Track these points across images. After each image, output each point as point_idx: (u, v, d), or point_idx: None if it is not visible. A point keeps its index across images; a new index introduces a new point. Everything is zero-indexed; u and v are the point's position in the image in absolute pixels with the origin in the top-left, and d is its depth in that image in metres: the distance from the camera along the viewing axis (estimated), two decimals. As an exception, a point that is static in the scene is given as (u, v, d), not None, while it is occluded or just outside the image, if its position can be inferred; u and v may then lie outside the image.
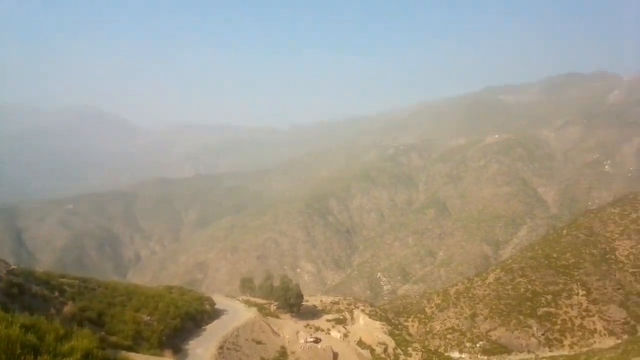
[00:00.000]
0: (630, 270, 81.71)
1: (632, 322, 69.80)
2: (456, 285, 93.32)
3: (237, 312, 50.79)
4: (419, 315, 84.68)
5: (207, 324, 42.08)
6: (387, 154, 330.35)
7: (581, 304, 74.51)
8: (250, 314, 49.89)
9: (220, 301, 55.21)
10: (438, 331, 77.30)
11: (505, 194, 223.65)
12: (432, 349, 64.74)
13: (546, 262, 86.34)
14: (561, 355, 60.01)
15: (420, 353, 54.48)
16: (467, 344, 70.73)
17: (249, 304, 60.97)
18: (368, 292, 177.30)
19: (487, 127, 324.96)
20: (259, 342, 42.37)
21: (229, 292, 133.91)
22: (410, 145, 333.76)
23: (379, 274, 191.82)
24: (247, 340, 41.14)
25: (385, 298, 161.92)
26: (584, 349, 63.63)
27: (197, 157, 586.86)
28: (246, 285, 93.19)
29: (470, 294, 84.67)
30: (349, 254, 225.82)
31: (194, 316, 40.82)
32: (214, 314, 47.00)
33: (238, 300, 64.99)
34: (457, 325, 77.06)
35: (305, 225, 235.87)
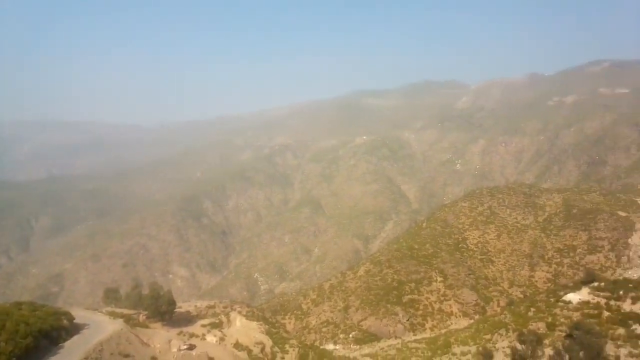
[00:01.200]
0: (479, 257, 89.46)
1: (482, 303, 75.85)
2: (330, 280, 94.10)
3: (100, 325, 44.56)
4: (295, 311, 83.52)
5: (65, 340, 37.55)
6: (262, 154, 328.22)
7: (439, 289, 79.11)
8: (115, 326, 43.89)
9: (80, 315, 47.71)
10: (314, 326, 76.78)
11: (374, 191, 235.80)
12: (309, 343, 63.32)
13: (409, 253, 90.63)
14: (423, 338, 62.46)
15: (297, 349, 52.57)
16: (341, 336, 71.25)
17: (114, 315, 53.51)
18: (245, 293, 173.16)
19: (356, 129, 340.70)
20: (126, 356, 37.54)
21: (91, 304, 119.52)
22: (286, 145, 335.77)
23: (256, 274, 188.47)
24: (112, 354, 36.40)
25: (263, 298, 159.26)
26: (443, 331, 67.15)
27: (48, 157, 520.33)
28: (110, 295, 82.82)
29: (343, 287, 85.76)
30: (225, 255, 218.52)
31: (49, 333, 36.31)
32: (74, 329, 41.15)
33: (101, 312, 56.68)
34: (332, 318, 77.36)
35: (178, 228, 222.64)
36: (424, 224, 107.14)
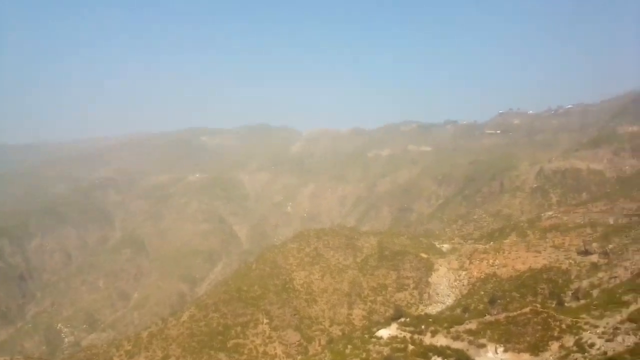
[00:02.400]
0: (304, 297, 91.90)
1: (305, 343, 77.50)
2: (150, 327, 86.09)
3: None
4: (104, 367, 73.27)
5: None
6: (79, 188, 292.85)
7: (265, 331, 78.59)
8: None
9: None
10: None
11: (204, 231, 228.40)
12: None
13: (237, 295, 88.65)
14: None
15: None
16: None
17: None
18: (44, 347, 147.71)
19: (190, 166, 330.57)
20: None
21: None
22: (108, 179, 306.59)
23: (59, 324, 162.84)
24: None
25: (66, 352, 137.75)
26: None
27: None
28: None
29: (164, 335, 79.23)
30: (21, 304, 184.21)
31: None
32: None
33: None
34: (146, 373, 69.59)
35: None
36: (254, 265, 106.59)
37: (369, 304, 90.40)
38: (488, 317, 54.40)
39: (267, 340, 77.21)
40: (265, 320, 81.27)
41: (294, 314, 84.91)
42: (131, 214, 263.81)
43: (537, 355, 44.28)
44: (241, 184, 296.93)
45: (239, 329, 78.73)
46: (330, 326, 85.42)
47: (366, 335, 56.94)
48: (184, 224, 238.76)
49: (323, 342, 77.18)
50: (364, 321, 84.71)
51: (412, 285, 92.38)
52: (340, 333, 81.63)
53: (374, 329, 58.13)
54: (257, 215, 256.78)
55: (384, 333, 54.37)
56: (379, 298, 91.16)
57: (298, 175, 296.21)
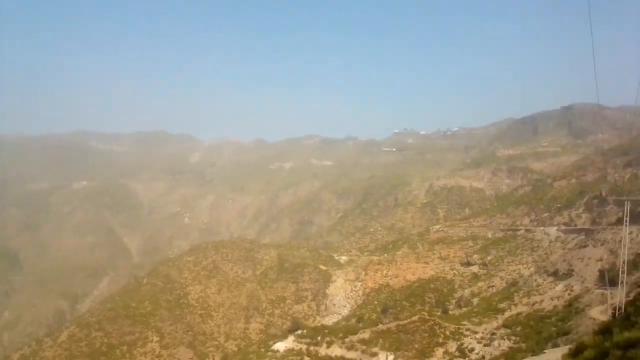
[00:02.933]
0: (199, 312, 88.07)
1: (198, 361, 73.73)
2: (21, 349, 76.50)
3: None
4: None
5: None
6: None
7: (154, 350, 73.81)
8: None
9: None
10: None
11: (90, 244, 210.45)
12: None
13: (125, 312, 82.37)
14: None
15: None
16: None
17: None
18: None
19: (75, 173, 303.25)
20: None
21: None
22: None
23: None
24: None
25: None
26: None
27: None
28: None
29: (38, 358, 70.51)
30: None
31: None
32: None
33: None
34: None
35: None
36: (145, 280, 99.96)
37: (267, 317, 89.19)
38: (380, 326, 56.30)
39: (156, 359, 72.40)
40: (156, 338, 76.27)
41: (187, 331, 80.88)
42: (2, 224, 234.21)
43: (424, 361, 46.57)
44: (134, 194, 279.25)
45: (125, 348, 72.89)
46: (225, 341, 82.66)
47: (262, 350, 55.83)
48: (65, 236, 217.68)
49: (217, 358, 74.37)
50: (261, 335, 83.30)
51: (310, 297, 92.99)
52: (235, 348, 79.33)
53: (271, 343, 57.23)
54: (151, 227, 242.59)
55: (281, 346, 53.70)
56: (277, 311, 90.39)
57: (197, 185, 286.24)
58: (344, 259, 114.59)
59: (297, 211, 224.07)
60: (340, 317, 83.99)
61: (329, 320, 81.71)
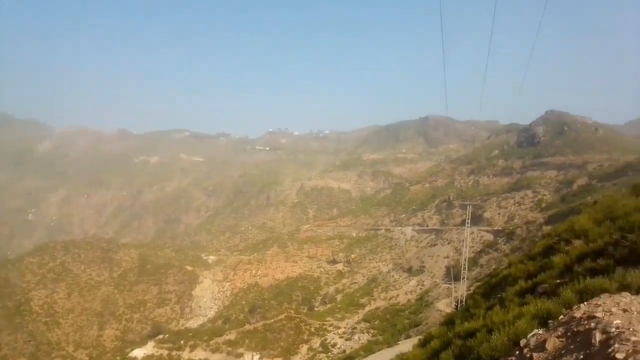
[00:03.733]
0: (44, 319, 78.44)
1: (39, 376, 65.36)
2: None
3: None
4: None
5: None
6: None
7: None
8: None
9: None
10: None
11: None
12: None
13: (-57, 324, 69.34)
14: None
15: None
16: None
17: None
18: None
19: None
20: None
21: None
22: None
23: None
24: None
25: None
26: None
27: None
28: None
29: None
30: None
31: None
32: None
33: None
34: None
35: None
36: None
37: (124, 322, 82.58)
38: (247, 326, 55.77)
39: (-14, 377, 62.46)
40: (-14, 353, 65.74)
41: (29, 340, 71.19)
42: None
43: (288, 359, 47.17)
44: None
45: (-57, 367, 61.61)
46: (74, 351, 74.57)
47: (118, 358, 51.48)
48: None
49: (63, 371, 66.70)
50: (117, 342, 76.80)
51: (174, 300, 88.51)
52: (87, 358, 72.03)
53: (128, 350, 53.05)
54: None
55: (139, 353, 50.09)
56: (137, 315, 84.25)
57: (46, 177, 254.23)
58: (212, 258, 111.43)
59: (163, 209, 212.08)
60: (206, 319, 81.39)
61: (194, 323, 78.68)
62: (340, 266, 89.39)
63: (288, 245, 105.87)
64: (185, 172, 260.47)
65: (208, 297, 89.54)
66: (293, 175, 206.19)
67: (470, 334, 11.31)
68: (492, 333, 9.51)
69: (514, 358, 7.20)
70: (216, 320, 75.54)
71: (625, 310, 6.14)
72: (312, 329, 52.72)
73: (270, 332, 52.28)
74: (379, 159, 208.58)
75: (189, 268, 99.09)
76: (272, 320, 55.72)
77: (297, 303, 75.81)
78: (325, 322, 54.50)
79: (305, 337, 51.25)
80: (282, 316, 56.49)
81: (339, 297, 74.80)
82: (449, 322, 18.11)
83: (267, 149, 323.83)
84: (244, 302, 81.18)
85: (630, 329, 5.07)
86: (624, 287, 9.33)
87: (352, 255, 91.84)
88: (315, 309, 69.32)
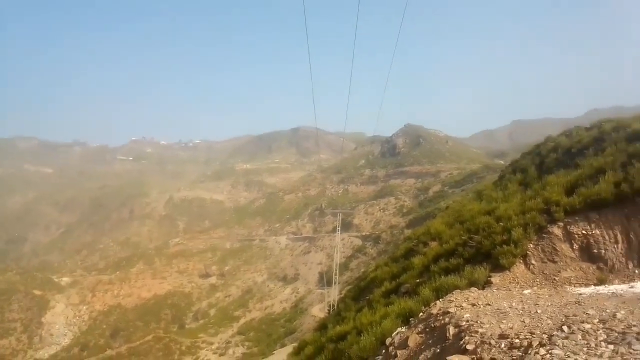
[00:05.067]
0: None
1: None
2: None
3: None
4: None
5: None
6: None
7: None
8: None
9: None
10: None
11: None
12: None
13: None
14: None
15: None
16: None
17: None
18: None
19: None
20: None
21: None
22: None
23: None
24: None
25: None
26: None
27: None
28: None
29: None
30: None
31: None
32: None
33: None
34: None
35: None
36: None
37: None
38: (109, 352, 50.99)
39: None
40: None
41: None
42: None
43: (158, 382, 44.20)
44: None
45: None
46: None
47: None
48: None
49: None
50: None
51: (20, 329, 77.16)
52: None
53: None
54: None
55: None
56: (-31, 353, 71.67)
57: None
58: (66, 280, 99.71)
59: (3, 227, 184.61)
60: (60, 347, 72.43)
61: (46, 353, 69.53)
62: (213, 279, 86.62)
63: (155, 261, 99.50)
64: (32, 184, 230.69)
65: (62, 323, 79.84)
66: (160, 187, 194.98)
67: (342, 337, 11.68)
68: (362, 334, 9.92)
69: (380, 357, 7.56)
70: (72, 348, 67.63)
71: (473, 305, 6.81)
72: (183, 348, 50.10)
73: (135, 356, 48.41)
74: (252, 168, 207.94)
75: (37, 292, 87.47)
76: (137, 343, 51.67)
77: (166, 322, 71.40)
78: (198, 339, 52.21)
79: (176, 357, 48.51)
80: (150, 337, 52.75)
81: (212, 311, 72.31)
82: (322, 327, 18.56)
83: (131, 158, 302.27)
84: (104, 326, 73.99)
85: (478, 322, 5.62)
86: (472, 283, 10.42)
87: (226, 267, 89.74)
88: (187, 326, 65.99)
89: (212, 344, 50.54)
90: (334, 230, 73.52)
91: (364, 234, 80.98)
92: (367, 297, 16.53)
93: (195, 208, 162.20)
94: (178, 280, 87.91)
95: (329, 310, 33.23)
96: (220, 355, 46.66)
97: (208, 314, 70.98)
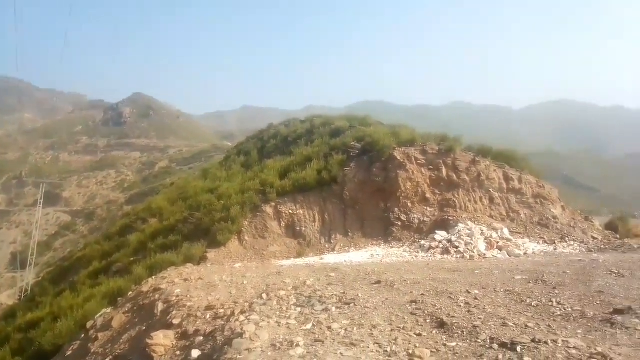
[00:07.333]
0: None
1: None
2: None
3: None
4: None
5: None
6: None
7: None
8: None
9: None
10: None
11: None
12: None
13: None
14: None
15: None
16: None
17: None
18: None
19: None
20: None
21: None
22: None
23: None
24: None
25: None
26: None
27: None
28: None
29: None
30: None
31: None
32: None
33: None
34: None
35: None
36: None
37: None
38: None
39: None
40: None
41: None
42: None
43: None
44: None
45: None
46: None
47: None
48: None
49: None
50: None
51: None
52: None
53: None
54: None
55: None
56: None
57: None
58: None
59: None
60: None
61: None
62: None
63: None
64: None
65: None
66: None
67: (34, 324, 10.28)
68: (59, 320, 8.91)
69: (79, 342, 6.83)
70: None
71: (186, 280, 6.84)
72: None
73: None
74: None
75: None
76: None
77: None
78: None
79: None
80: None
81: None
82: (9, 315, 15.75)
83: None
84: None
85: (188, 296, 5.65)
86: (188, 260, 10.52)
87: None
88: None
89: None
90: (35, 203, 63.11)
91: (75, 209, 72.25)
92: (71, 279, 14.91)
93: None
94: None
95: (21, 297, 28.42)
96: None
97: None
